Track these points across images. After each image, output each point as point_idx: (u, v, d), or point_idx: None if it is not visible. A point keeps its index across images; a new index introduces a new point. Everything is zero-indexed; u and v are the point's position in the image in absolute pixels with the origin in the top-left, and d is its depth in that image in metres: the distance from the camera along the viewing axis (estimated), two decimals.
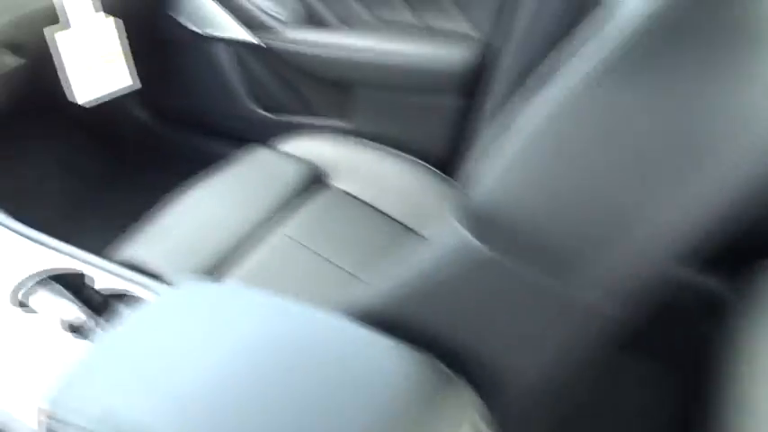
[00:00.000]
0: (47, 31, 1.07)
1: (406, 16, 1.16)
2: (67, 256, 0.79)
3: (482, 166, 0.50)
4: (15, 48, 1.08)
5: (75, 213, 1.46)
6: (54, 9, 1.07)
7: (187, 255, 0.93)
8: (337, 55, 1.21)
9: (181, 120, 1.53)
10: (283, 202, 1.04)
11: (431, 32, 1.15)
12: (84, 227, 1.41)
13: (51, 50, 1.08)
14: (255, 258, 0.94)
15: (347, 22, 1.22)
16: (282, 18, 1.25)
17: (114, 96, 1.20)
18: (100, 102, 1.18)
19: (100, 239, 1.34)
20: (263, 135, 1.36)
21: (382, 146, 1.18)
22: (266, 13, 1.24)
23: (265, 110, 1.38)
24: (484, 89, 1.09)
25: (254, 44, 1.28)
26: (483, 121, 1.09)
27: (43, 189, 1.49)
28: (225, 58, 1.33)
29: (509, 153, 0.48)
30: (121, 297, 0.74)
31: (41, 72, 1.11)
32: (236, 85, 1.36)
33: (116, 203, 1.48)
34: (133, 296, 0.74)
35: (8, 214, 0.88)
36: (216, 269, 0.91)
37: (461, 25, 1.11)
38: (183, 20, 1.32)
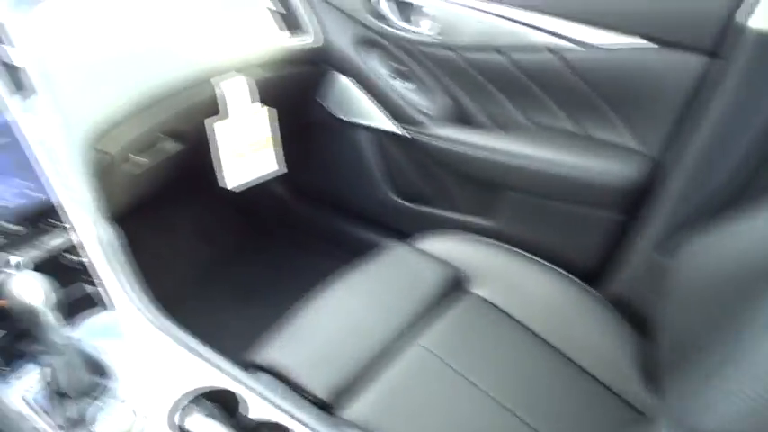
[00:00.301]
0: (207, 122, 1.11)
1: (565, 123, 1.10)
2: (218, 370, 0.78)
3: (706, 384, 0.44)
4: (177, 136, 1.13)
5: (204, 283, 1.49)
6: (215, 100, 1.11)
7: (326, 365, 0.91)
8: (487, 156, 1.17)
9: (319, 200, 1.55)
10: (423, 308, 1.00)
11: (590, 143, 1.09)
12: (210, 297, 1.45)
13: (209, 139, 1.12)
14: (393, 373, 0.91)
15: (499, 122, 1.18)
16: (431, 113, 1.23)
17: (261, 181, 1.23)
18: (247, 186, 1.21)
19: (224, 313, 1.36)
20: (399, 223, 1.34)
21: (526, 252, 1.12)
22: (414, 106, 1.23)
23: (404, 199, 1.37)
24: (647, 209, 1.01)
25: (398, 134, 1.27)
26: (642, 242, 1.01)
27: (176, 256, 1.54)
28: (367, 146, 1.34)
29: (748, 390, 0.42)
30: (271, 426, 0.72)
31: (197, 155, 1.15)
32: (376, 172, 1.36)
33: (245, 277, 1.51)
34: (282, 428, 0.72)
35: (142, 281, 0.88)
36: (354, 383, 0.89)
37: (626, 139, 1.05)
38: (330, 107, 1.34)
